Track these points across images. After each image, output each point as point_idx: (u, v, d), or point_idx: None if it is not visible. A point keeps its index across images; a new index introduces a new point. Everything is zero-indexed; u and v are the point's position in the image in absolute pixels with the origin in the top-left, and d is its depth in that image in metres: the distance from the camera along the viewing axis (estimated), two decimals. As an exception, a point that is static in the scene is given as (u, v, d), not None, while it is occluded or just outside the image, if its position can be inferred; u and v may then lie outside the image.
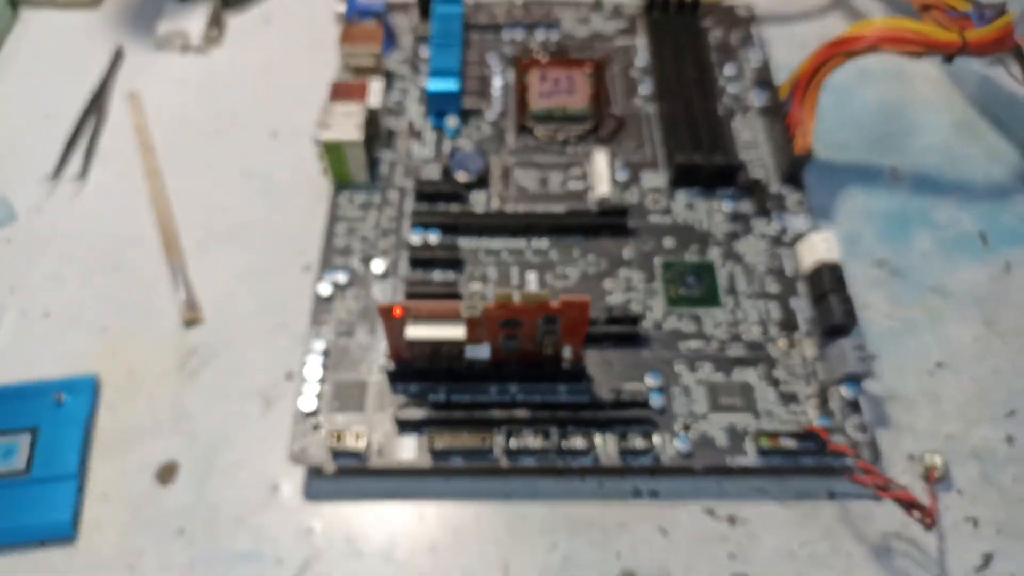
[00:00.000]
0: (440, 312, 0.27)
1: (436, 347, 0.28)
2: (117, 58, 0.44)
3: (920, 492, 0.30)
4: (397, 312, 0.27)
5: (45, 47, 0.45)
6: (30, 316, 0.35)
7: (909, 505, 0.27)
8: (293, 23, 0.46)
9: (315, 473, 0.31)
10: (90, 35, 0.46)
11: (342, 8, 0.41)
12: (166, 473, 0.31)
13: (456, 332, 0.28)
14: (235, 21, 0.47)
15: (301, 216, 0.38)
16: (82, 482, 0.31)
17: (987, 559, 0.30)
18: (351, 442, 0.29)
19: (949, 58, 0.35)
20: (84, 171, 0.40)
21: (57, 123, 0.41)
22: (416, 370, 0.30)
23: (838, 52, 0.34)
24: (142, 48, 0.45)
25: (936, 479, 0.31)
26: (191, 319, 0.35)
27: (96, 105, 0.42)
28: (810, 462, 0.30)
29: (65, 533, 0.29)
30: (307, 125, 0.34)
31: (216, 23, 0.45)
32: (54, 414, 0.31)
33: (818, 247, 0.33)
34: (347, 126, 0.35)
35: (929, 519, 0.27)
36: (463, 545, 0.29)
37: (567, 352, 0.29)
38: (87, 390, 0.32)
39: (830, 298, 0.32)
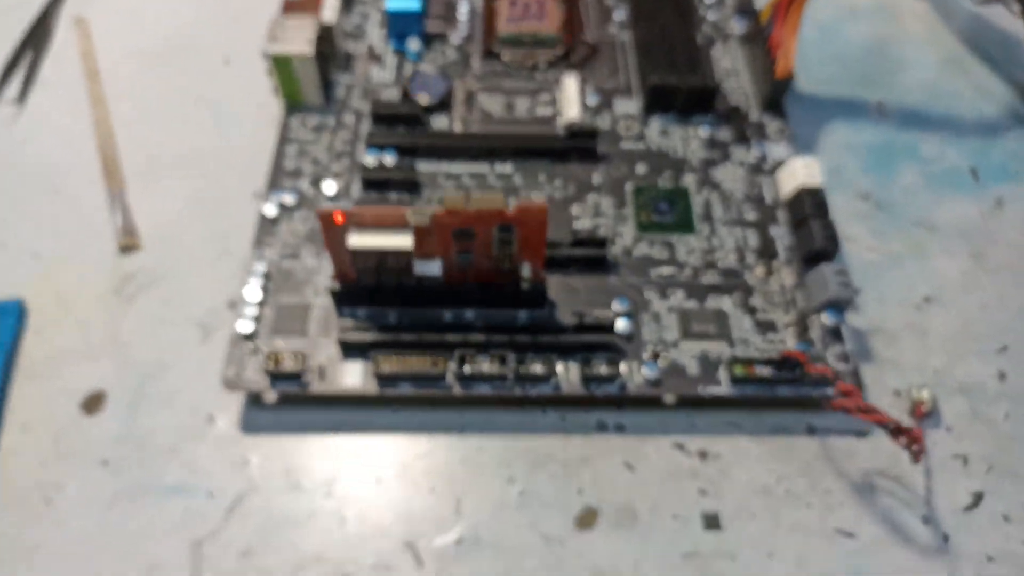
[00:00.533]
0: (386, 219, 0.25)
1: (382, 260, 0.26)
2: (64, -16, 0.42)
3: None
4: (338, 219, 0.25)
5: (-13, -29, 0.43)
6: (-46, 240, 0.33)
7: (896, 431, 0.25)
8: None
9: (254, 403, 0.29)
10: (37, -40, 0.43)
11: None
12: (93, 402, 0.29)
13: (403, 242, 0.25)
14: (192, -53, 0.44)
15: (253, 144, 0.35)
16: (0, 411, 0.28)
17: (977, 498, 0.28)
18: (289, 364, 0.27)
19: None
20: (22, 96, 0.37)
21: (-4, 48, 0.39)
22: (364, 291, 0.28)
23: (822, -35, 0.32)
24: (92, -26, 0.43)
25: (924, 414, 0.29)
26: (127, 244, 0.32)
27: (39, 30, 0.40)
28: (787, 392, 0.28)
29: (-23, 464, 0.27)
30: (262, 43, 0.32)
31: (171, -49, 0.43)
32: (-30, 338, 0.29)
33: (799, 172, 0.31)
34: (298, 40, 0.32)
35: (916, 445, 0.25)
36: (411, 479, 0.27)
37: (526, 270, 0.27)
38: (11, 314, 0.30)
39: (811, 223, 0.30)
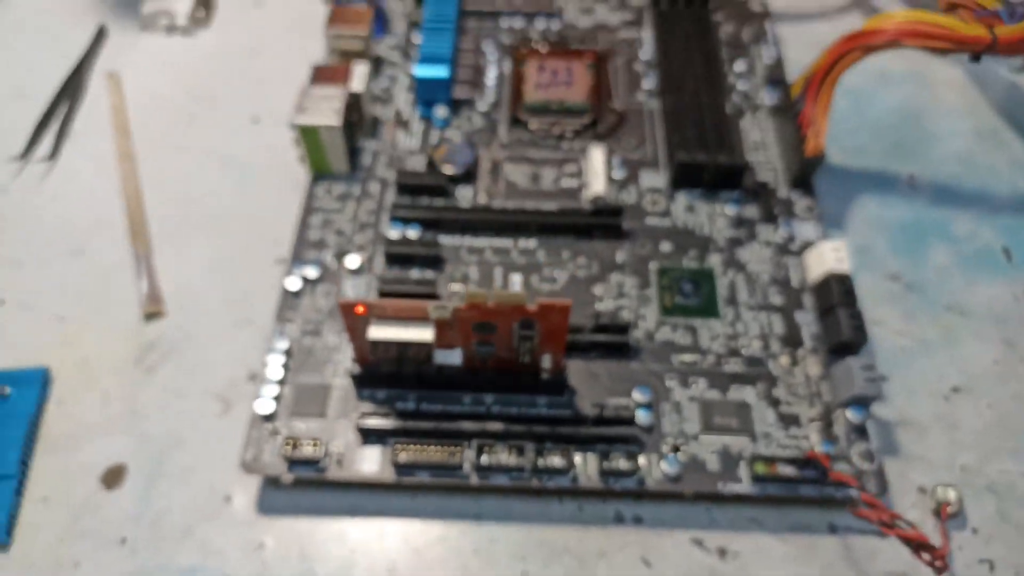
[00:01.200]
0: (407, 312, 0.25)
1: (403, 350, 0.26)
2: (99, 37, 0.43)
3: (931, 529, 0.28)
4: (360, 310, 0.25)
5: (25, 23, 0.44)
6: (-18, 302, 0.33)
7: (917, 546, 0.25)
8: (284, 5, 0.44)
9: (271, 484, 0.29)
10: (73, 12, 0.44)
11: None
12: (113, 476, 0.29)
13: (423, 334, 0.25)
14: (225, 2, 0.45)
15: (278, 207, 0.36)
16: (21, 483, 0.28)
17: (1003, 606, 0.27)
18: (308, 450, 0.26)
19: (976, 56, 0.32)
20: (54, 152, 0.38)
21: (32, 102, 0.40)
22: (385, 375, 0.28)
23: (856, 46, 0.31)
24: (126, 28, 0.43)
25: (949, 515, 0.28)
26: (152, 312, 0.32)
27: (73, 84, 0.40)
28: (810, 492, 0.27)
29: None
30: (290, 111, 0.32)
31: (204, 3, 0.43)
32: (-5, 408, 0.29)
33: (827, 257, 0.31)
34: (325, 110, 0.32)
35: (940, 562, 0.25)
36: (425, 568, 0.27)
37: (546, 361, 0.27)
38: (35, 383, 0.30)
39: (838, 312, 0.29)
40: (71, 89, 0.40)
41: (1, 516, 0.27)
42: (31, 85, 0.40)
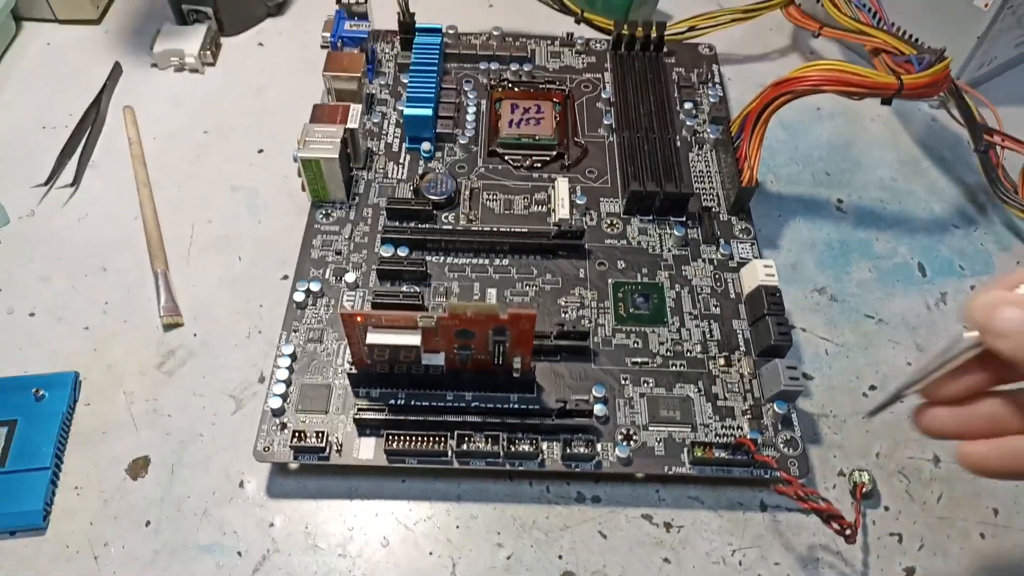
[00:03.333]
0: (398, 321, 0.30)
1: (394, 353, 0.30)
2: (114, 73, 0.47)
3: (849, 508, 0.32)
4: (359, 319, 0.29)
5: (45, 60, 0.48)
6: (17, 315, 0.37)
7: (828, 516, 0.29)
8: (285, 47, 0.49)
9: (279, 471, 0.33)
10: (90, 50, 0.48)
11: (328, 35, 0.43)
12: (138, 467, 0.33)
13: (412, 340, 0.30)
14: (231, 43, 0.49)
15: (283, 230, 0.40)
16: (55, 475, 0.32)
17: (909, 573, 0.32)
18: (312, 440, 0.31)
19: (887, 100, 0.38)
20: (76, 179, 0.42)
21: (53, 133, 0.44)
22: (378, 376, 0.32)
23: (783, 92, 0.37)
24: (139, 65, 0.48)
25: (863, 495, 0.33)
26: (171, 322, 0.37)
27: (91, 117, 0.45)
28: (741, 473, 0.32)
29: (35, 523, 0.31)
30: (293, 144, 0.37)
31: (212, 45, 0.48)
32: (32, 408, 0.33)
33: (759, 272, 0.36)
34: (324, 146, 0.37)
35: (849, 530, 0.29)
36: (414, 542, 0.31)
37: (517, 363, 0.32)
38: (66, 386, 0.34)
39: (767, 320, 0.34)
40: (90, 121, 0.44)
41: (37, 503, 0.31)
42: (53, 118, 0.45)
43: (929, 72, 0.38)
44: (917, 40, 0.46)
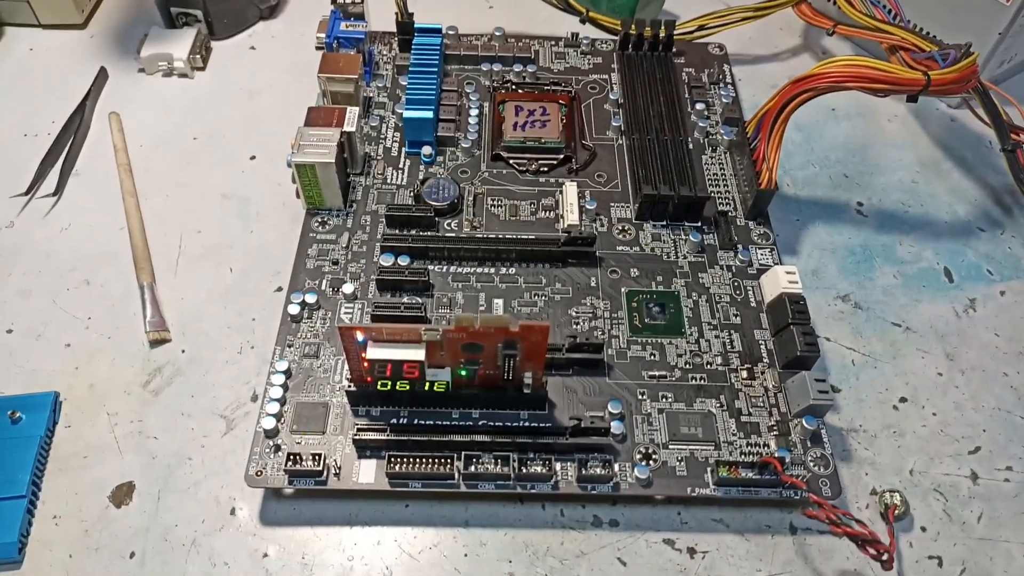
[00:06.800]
0: (401, 335, 0.27)
1: (396, 368, 0.28)
2: (100, 78, 0.45)
3: (883, 530, 0.30)
4: (357, 335, 0.27)
5: (28, 66, 0.46)
6: (-6, 332, 0.35)
7: (863, 541, 0.27)
8: (278, 51, 0.47)
9: (273, 496, 0.31)
10: (74, 56, 0.46)
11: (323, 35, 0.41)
12: (122, 493, 0.31)
13: (416, 355, 0.28)
14: (221, 46, 0.47)
15: (276, 239, 0.38)
16: (32, 503, 0.30)
17: (949, 597, 0.30)
18: (308, 464, 0.29)
19: (913, 97, 0.36)
20: (59, 189, 0.40)
21: (35, 141, 0.42)
22: (379, 393, 0.30)
23: (802, 89, 0.35)
24: (126, 70, 0.46)
25: (896, 517, 0.31)
26: (157, 338, 0.34)
27: (75, 124, 0.43)
28: (769, 494, 0.30)
29: (10, 556, 0.29)
30: (287, 149, 0.35)
31: (202, 49, 0.46)
32: (7, 432, 0.31)
33: (781, 280, 0.34)
34: (319, 150, 0.35)
35: (886, 555, 0.27)
36: (419, 571, 0.29)
37: (528, 377, 0.29)
38: (45, 407, 0.32)
39: (792, 330, 0.32)
40: (74, 128, 0.42)
41: (12, 535, 0.29)
42: (35, 125, 0.43)
43: (957, 67, 0.36)
44: (936, 37, 0.44)
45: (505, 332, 0.27)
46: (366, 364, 0.28)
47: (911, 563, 0.30)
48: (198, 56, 0.45)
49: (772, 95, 0.37)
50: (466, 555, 0.30)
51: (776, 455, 0.30)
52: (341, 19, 0.42)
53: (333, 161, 0.35)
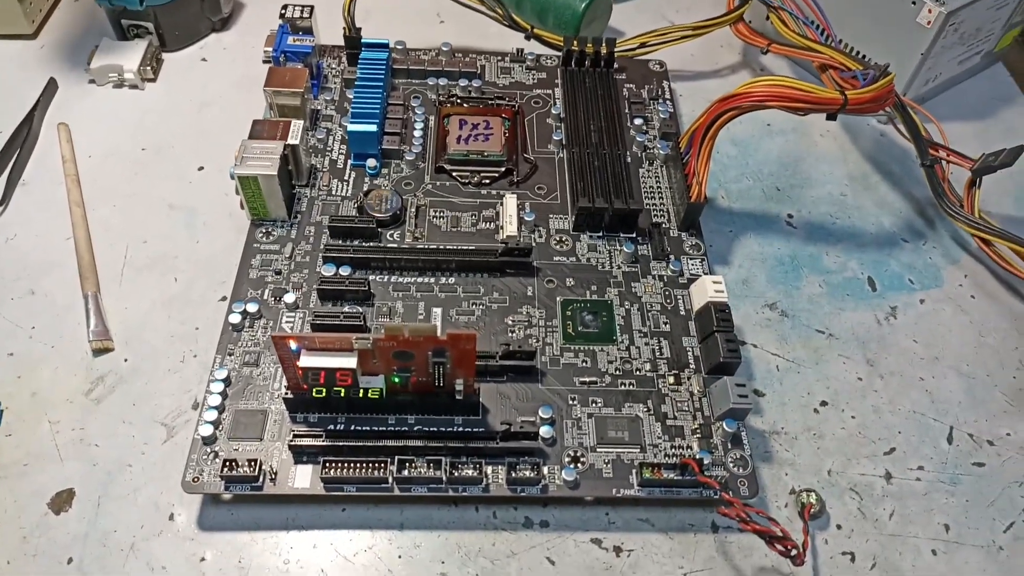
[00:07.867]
0: (333, 343, 0.28)
1: (330, 376, 0.29)
2: (49, 89, 0.45)
3: (800, 528, 0.32)
4: (291, 344, 0.28)
5: (-24, 76, 0.46)
6: (-65, 341, 0.35)
7: (771, 539, 0.29)
8: (230, 63, 0.48)
9: (211, 501, 0.31)
10: (24, 66, 0.47)
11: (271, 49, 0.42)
12: (61, 500, 0.31)
13: (348, 363, 0.29)
14: (172, 58, 0.48)
15: (222, 249, 0.39)
16: (-29, 510, 0.30)
17: (861, 591, 0.31)
18: (245, 470, 0.29)
19: (832, 115, 0.38)
20: (4, 199, 0.40)
21: (-18, 151, 0.42)
22: (316, 400, 0.31)
23: (728, 108, 0.36)
24: (76, 81, 0.46)
25: (811, 515, 0.32)
26: (100, 347, 0.35)
27: (23, 134, 0.43)
28: (690, 494, 0.31)
29: (-53, 564, 0.29)
30: (232, 161, 0.36)
31: (153, 60, 0.46)
32: (-53, 439, 0.31)
33: (708, 289, 0.35)
34: (263, 162, 0.36)
35: (795, 551, 0.29)
36: (354, 573, 0.30)
37: (460, 384, 0.31)
38: (-14, 416, 0.32)
39: (716, 337, 0.34)
40: (21, 138, 0.43)
41: (-49, 542, 0.29)
42: (-18, 135, 0.43)
43: (873, 87, 0.38)
44: (864, 56, 0.47)
45: (434, 340, 0.28)
46: (300, 372, 0.29)
47: (826, 559, 0.32)
48: (149, 68, 0.46)
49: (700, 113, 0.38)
50: (400, 556, 0.31)
51: (697, 457, 0.31)
52: (289, 33, 0.43)
53: (276, 173, 0.36)
